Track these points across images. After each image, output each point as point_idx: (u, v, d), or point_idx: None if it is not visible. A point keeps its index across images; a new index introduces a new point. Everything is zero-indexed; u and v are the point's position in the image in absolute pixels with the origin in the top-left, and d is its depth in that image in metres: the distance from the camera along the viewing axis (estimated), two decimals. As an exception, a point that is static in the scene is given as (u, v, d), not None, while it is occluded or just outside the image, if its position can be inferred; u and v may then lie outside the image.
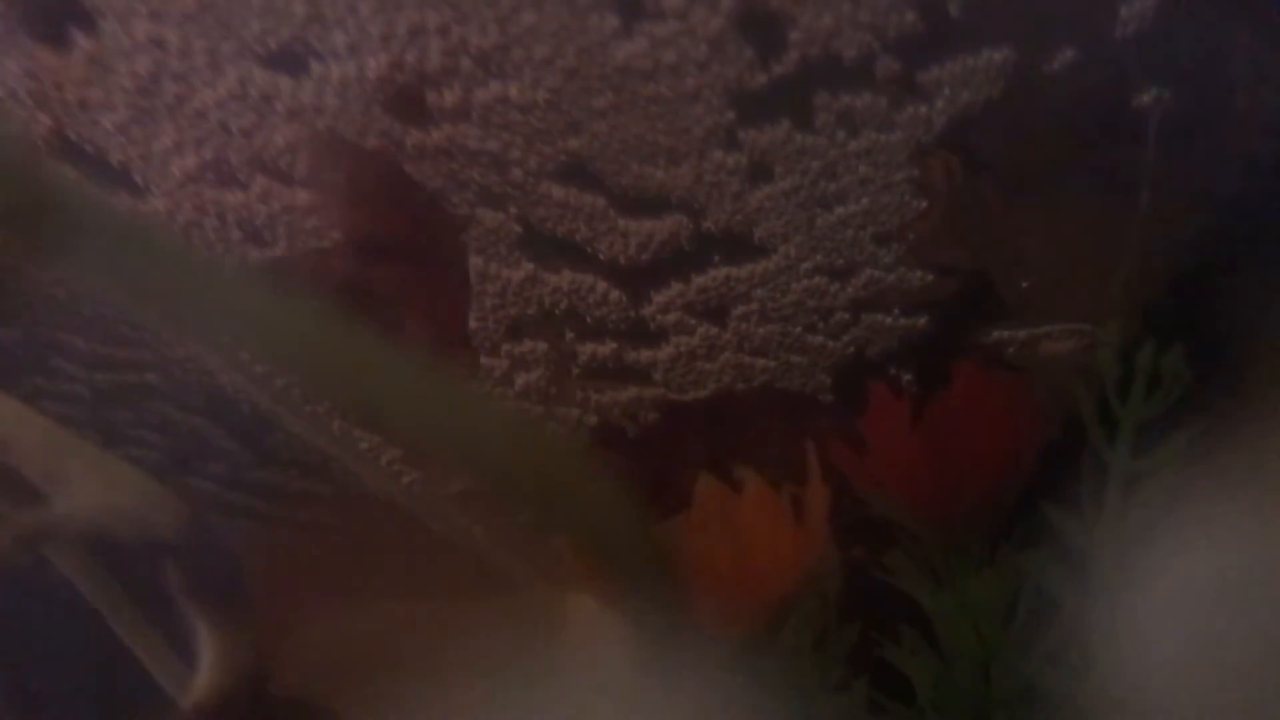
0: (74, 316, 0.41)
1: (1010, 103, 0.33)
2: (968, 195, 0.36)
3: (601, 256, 0.37)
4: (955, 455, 0.36)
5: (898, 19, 0.31)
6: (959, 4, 0.31)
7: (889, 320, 0.39)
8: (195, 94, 0.33)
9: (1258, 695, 0.28)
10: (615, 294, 0.38)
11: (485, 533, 0.48)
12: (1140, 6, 0.32)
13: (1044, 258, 0.38)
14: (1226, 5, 0.33)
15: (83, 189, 0.34)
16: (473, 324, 0.39)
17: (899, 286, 0.38)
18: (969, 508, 0.36)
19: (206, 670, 0.29)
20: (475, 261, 0.37)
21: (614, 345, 0.40)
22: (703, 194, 0.36)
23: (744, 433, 0.42)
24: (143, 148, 0.35)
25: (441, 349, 0.39)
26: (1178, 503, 0.33)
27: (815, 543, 0.34)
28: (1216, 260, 0.37)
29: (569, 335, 0.40)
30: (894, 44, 0.32)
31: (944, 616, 0.37)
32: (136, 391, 0.44)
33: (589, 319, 0.39)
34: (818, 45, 0.32)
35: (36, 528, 0.27)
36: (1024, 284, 0.38)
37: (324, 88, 0.33)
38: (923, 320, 0.39)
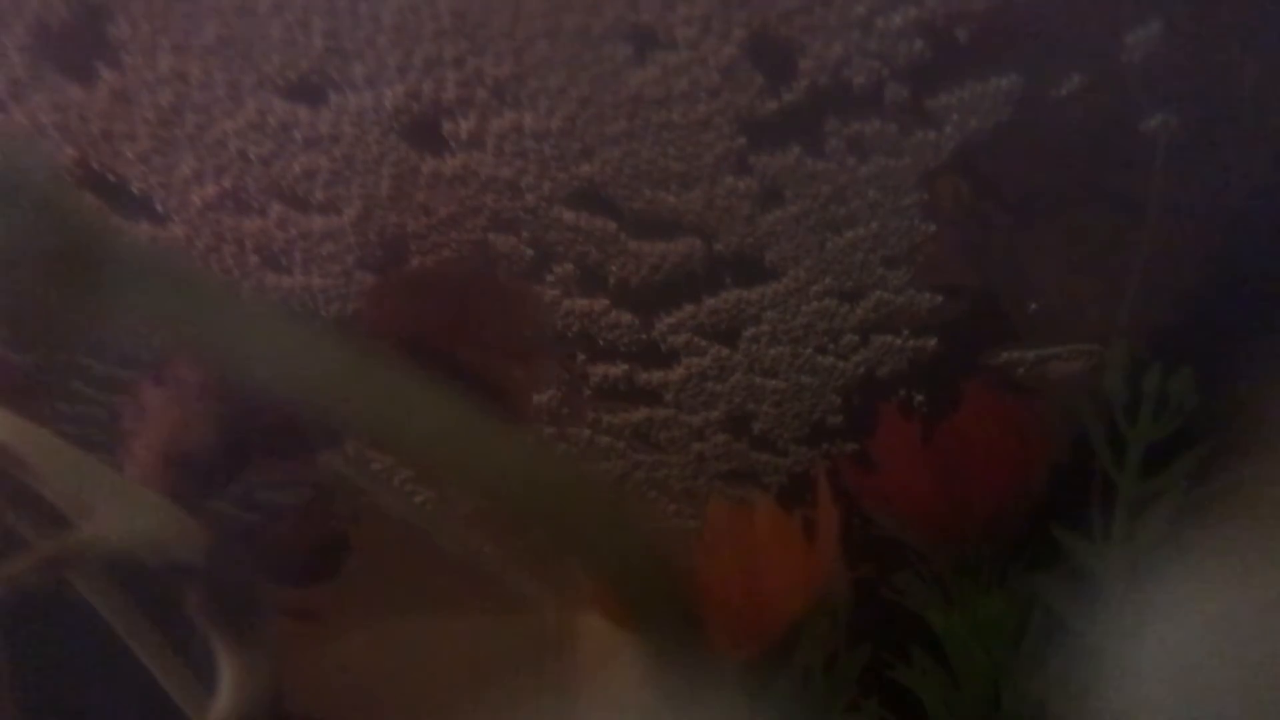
0: (92, 341, 0.42)
1: (1018, 128, 0.34)
2: (976, 219, 0.36)
3: (613, 279, 0.38)
4: (964, 476, 0.36)
5: (906, 47, 0.32)
6: (967, 31, 0.31)
7: (898, 342, 0.40)
8: (216, 124, 0.34)
9: (1265, 712, 0.28)
10: (627, 317, 0.39)
11: (497, 552, 0.48)
12: (1145, 32, 0.32)
13: (1052, 280, 0.38)
14: (1231, 29, 0.33)
15: (104, 217, 0.35)
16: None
17: (908, 308, 0.39)
18: (978, 528, 0.36)
19: (226, 693, 0.29)
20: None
21: (625, 367, 0.40)
22: (714, 218, 0.36)
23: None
24: (164, 176, 0.35)
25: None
26: (1185, 523, 0.34)
27: (826, 564, 0.34)
28: (1224, 282, 0.38)
29: (581, 357, 0.40)
30: (903, 71, 0.32)
31: (954, 637, 0.37)
32: (153, 413, 0.45)
33: (601, 341, 0.40)
34: (827, 73, 0.32)
35: (61, 553, 0.27)
36: (1032, 306, 0.39)
37: (341, 117, 0.33)
38: (932, 342, 0.40)
